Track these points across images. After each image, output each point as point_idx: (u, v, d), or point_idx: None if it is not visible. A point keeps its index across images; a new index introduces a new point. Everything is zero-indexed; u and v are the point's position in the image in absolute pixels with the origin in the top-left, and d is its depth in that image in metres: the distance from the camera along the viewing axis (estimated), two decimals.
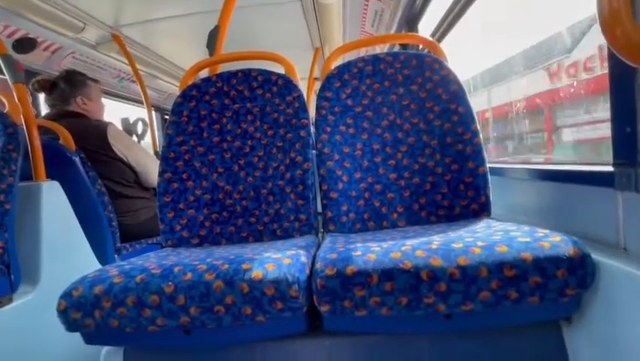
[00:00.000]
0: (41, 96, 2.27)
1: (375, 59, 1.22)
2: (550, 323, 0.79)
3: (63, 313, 0.75)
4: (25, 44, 2.18)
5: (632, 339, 0.64)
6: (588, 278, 0.67)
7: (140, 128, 3.12)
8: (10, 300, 1.19)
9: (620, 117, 0.72)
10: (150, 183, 1.90)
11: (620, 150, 0.73)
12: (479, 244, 0.71)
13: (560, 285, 0.66)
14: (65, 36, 2.25)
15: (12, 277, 1.19)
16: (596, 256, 0.70)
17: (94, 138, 1.74)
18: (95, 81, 1.95)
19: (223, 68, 1.36)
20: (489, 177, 1.08)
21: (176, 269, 0.76)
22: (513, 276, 0.66)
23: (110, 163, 1.76)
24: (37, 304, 1.24)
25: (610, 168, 0.75)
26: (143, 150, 1.92)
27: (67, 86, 1.84)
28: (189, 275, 0.74)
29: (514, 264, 0.66)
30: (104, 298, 0.73)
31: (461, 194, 1.09)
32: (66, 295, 0.76)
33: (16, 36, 2.10)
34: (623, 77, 0.70)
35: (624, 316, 0.65)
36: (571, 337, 0.77)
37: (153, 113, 3.56)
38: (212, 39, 1.44)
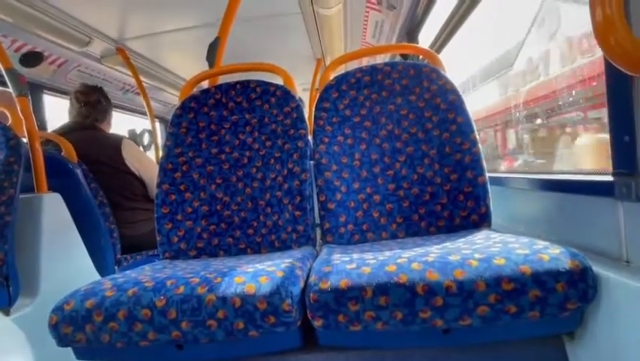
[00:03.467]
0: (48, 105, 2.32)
1: (373, 69, 1.22)
2: (553, 337, 0.77)
3: (54, 328, 0.74)
4: (32, 58, 2.22)
5: (637, 354, 0.62)
6: (590, 292, 0.65)
7: (146, 139, 3.16)
8: (7, 313, 1.18)
9: (618, 126, 0.70)
10: None
11: (619, 160, 0.71)
12: (476, 256, 0.69)
13: (561, 299, 0.64)
14: (71, 50, 2.29)
15: (10, 289, 1.18)
16: (597, 268, 0.68)
17: (108, 150, 1.77)
18: None
19: (224, 79, 1.37)
20: (489, 187, 1.07)
21: (168, 282, 0.75)
22: (512, 290, 0.64)
23: (121, 176, 1.78)
24: (34, 318, 1.23)
25: (610, 178, 0.73)
26: (155, 164, 1.94)
27: (107, 101, 1.95)
28: (181, 288, 0.73)
29: (513, 277, 0.65)
30: (95, 312, 0.72)
31: (461, 204, 1.07)
32: (57, 309, 0.75)
33: (24, 50, 2.14)
34: (619, 86, 0.69)
35: (629, 330, 0.63)
36: (574, 352, 0.75)
37: (158, 124, 3.59)
38: (212, 51, 1.44)
